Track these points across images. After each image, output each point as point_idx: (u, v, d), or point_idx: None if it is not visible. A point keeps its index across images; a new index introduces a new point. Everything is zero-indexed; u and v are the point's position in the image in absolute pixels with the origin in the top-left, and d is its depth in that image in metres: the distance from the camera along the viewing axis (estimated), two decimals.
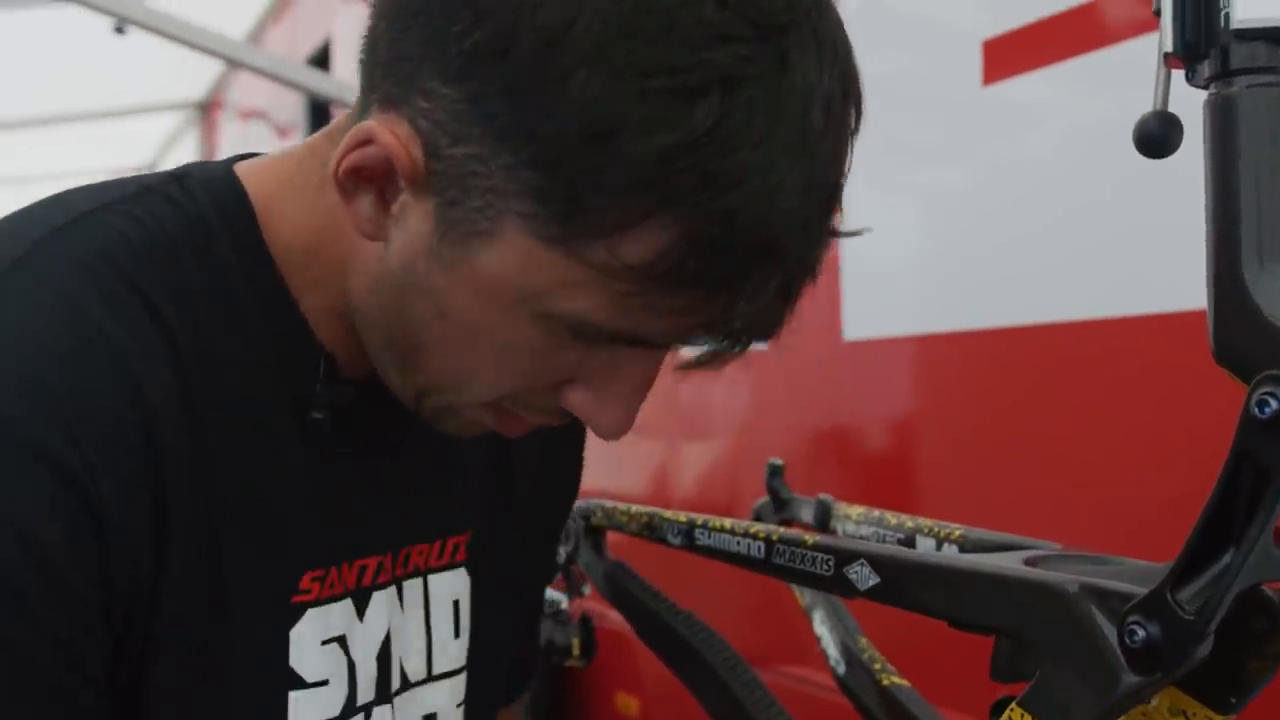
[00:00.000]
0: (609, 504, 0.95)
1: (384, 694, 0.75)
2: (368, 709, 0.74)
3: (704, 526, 0.81)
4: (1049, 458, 1.41)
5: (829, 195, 0.58)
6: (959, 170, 1.58)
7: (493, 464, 0.82)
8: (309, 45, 4.11)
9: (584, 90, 0.53)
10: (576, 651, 1.10)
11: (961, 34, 1.53)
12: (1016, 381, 1.47)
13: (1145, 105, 1.33)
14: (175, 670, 0.64)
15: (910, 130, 1.66)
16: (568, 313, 0.59)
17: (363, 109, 0.63)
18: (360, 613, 0.72)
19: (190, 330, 0.64)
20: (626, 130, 0.53)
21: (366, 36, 0.63)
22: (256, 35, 4.73)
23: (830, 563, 0.70)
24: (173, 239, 0.65)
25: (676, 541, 0.84)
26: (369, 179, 0.61)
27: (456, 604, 0.79)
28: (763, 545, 0.75)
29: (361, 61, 0.63)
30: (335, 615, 0.71)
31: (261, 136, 5.04)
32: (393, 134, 0.59)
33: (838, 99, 0.58)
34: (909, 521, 0.82)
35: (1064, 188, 1.41)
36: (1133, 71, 1.30)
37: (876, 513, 0.86)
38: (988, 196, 1.52)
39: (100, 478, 0.59)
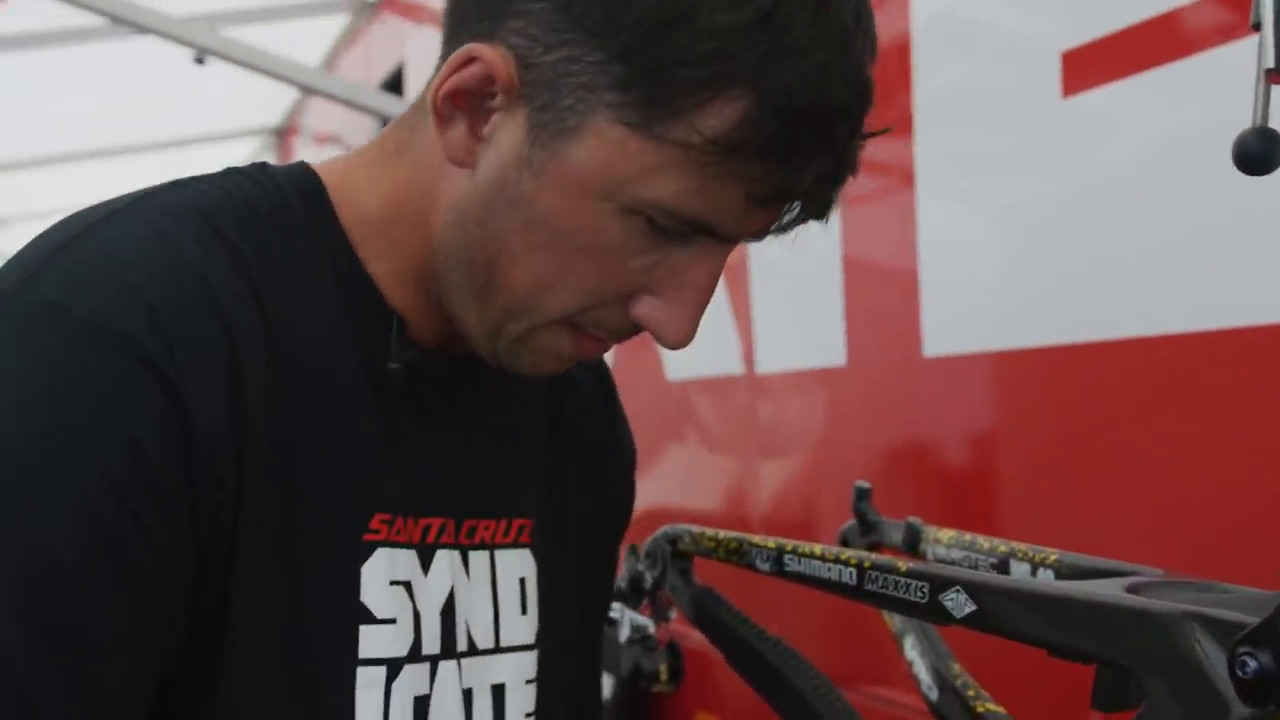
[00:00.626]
0: (696, 529, 0.95)
1: (449, 651, 0.78)
2: (433, 661, 0.77)
3: (793, 552, 0.80)
4: (1143, 477, 1.38)
5: (864, 90, 0.67)
6: (1039, 183, 1.56)
7: (548, 463, 0.87)
8: (382, 70, 4.16)
9: None
10: (664, 677, 1.10)
11: (1039, 45, 1.51)
12: (1104, 398, 1.45)
13: (1232, 114, 1.31)
14: (256, 591, 0.68)
15: (988, 142, 1.64)
16: (650, 199, 0.67)
17: (441, 59, 0.72)
18: (425, 566, 0.76)
19: (269, 280, 0.71)
20: (701, 13, 0.63)
21: (447, 2, 0.73)
22: (330, 61, 4.79)
23: (925, 589, 0.69)
24: (253, 204, 0.73)
25: (765, 567, 0.83)
26: (464, 102, 0.70)
27: (523, 582, 0.83)
28: (854, 571, 0.75)
29: (448, 13, 0.73)
30: (401, 560, 0.75)
31: None
32: (491, 51, 0.68)
33: (865, 10, 0.68)
34: (1002, 546, 0.81)
35: (1147, 200, 1.38)
36: (1218, 81, 1.28)
37: (968, 536, 0.84)
38: (1070, 210, 1.50)
39: (190, 382, 0.66)
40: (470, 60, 0.69)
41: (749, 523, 2.20)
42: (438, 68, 0.73)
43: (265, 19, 4.07)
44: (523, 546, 0.83)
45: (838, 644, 1.73)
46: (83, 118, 4.73)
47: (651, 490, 2.72)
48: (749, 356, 2.15)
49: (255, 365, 0.69)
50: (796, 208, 0.70)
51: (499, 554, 0.81)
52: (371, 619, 0.73)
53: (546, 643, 0.84)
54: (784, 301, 2.10)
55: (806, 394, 2.07)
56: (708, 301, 0.72)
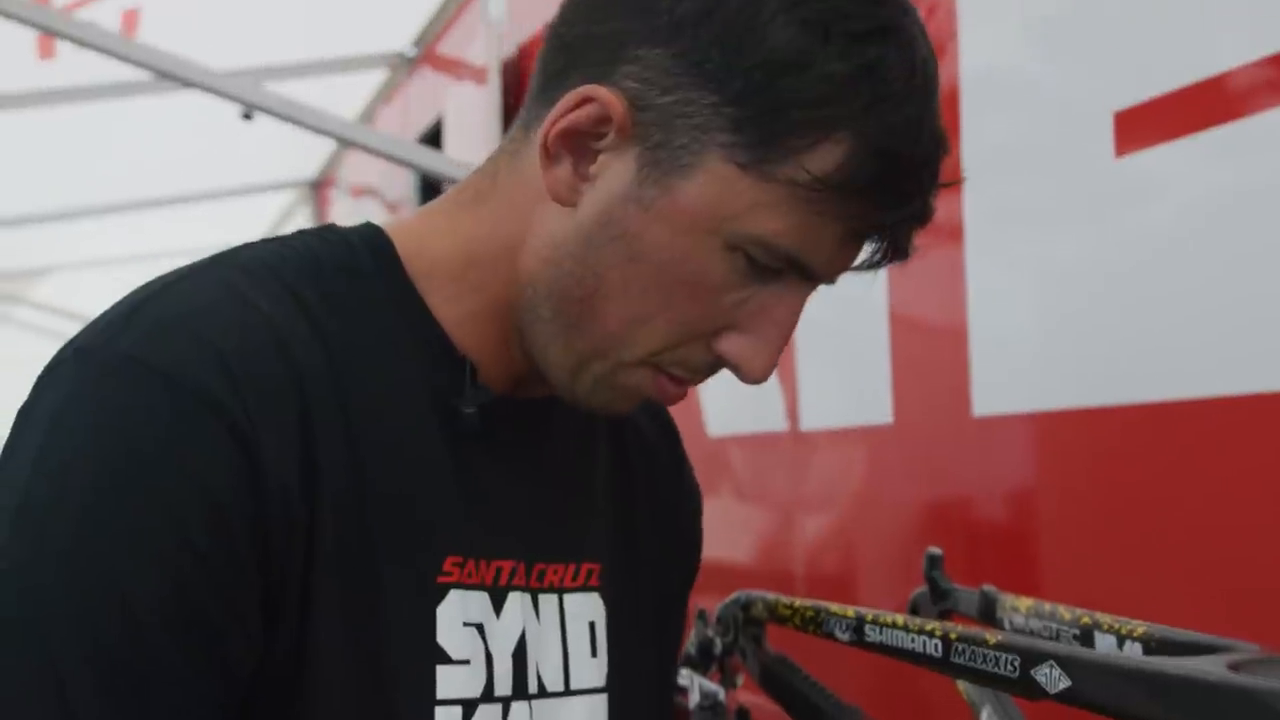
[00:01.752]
0: (770, 596, 0.95)
1: (520, 692, 0.80)
2: (505, 702, 0.79)
3: (874, 622, 0.80)
4: (1201, 546, 1.36)
5: (944, 140, 0.74)
6: (1090, 242, 1.56)
7: (616, 509, 0.89)
8: (420, 124, 4.19)
9: (781, 33, 0.69)
10: None
11: (1092, 104, 1.52)
12: (1158, 461, 1.44)
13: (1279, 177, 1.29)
14: (334, 633, 0.71)
15: (1037, 199, 1.64)
16: (755, 234, 0.71)
17: (542, 103, 0.76)
18: (497, 609, 0.78)
19: (338, 328, 0.74)
20: (815, 63, 0.69)
21: (547, 48, 0.77)
22: (368, 115, 4.84)
23: (1016, 663, 0.68)
24: (319, 258, 0.77)
25: (845, 637, 0.83)
26: (573, 142, 0.74)
27: (592, 625, 0.85)
28: (940, 643, 0.74)
29: (549, 59, 0.77)
30: (474, 603, 0.77)
31: (372, 212, 5.14)
32: (608, 93, 0.72)
33: (935, 69, 0.74)
34: (1085, 616, 0.80)
35: (1200, 262, 1.38)
36: (1272, 144, 1.28)
37: (1048, 606, 0.84)
38: (1123, 269, 1.49)
39: (261, 431, 0.68)
40: (586, 100, 0.73)
41: (791, 580, 2.18)
42: (534, 113, 0.78)
43: (306, 74, 4.12)
44: (591, 590, 0.85)
45: (911, 712, 1.71)
46: (125, 170, 4.78)
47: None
48: (793, 413, 2.15)
49: (326, 412, 0.72)
50: (880, 249, 0.74)
51: (567, 597, 0.84)
52: (447, 660, 0.76)
53: (618, 686, 0.86)
54: (829, 357, 2.10)
55: (851, 452, 2.06)
56: (787, 341, 0.76)
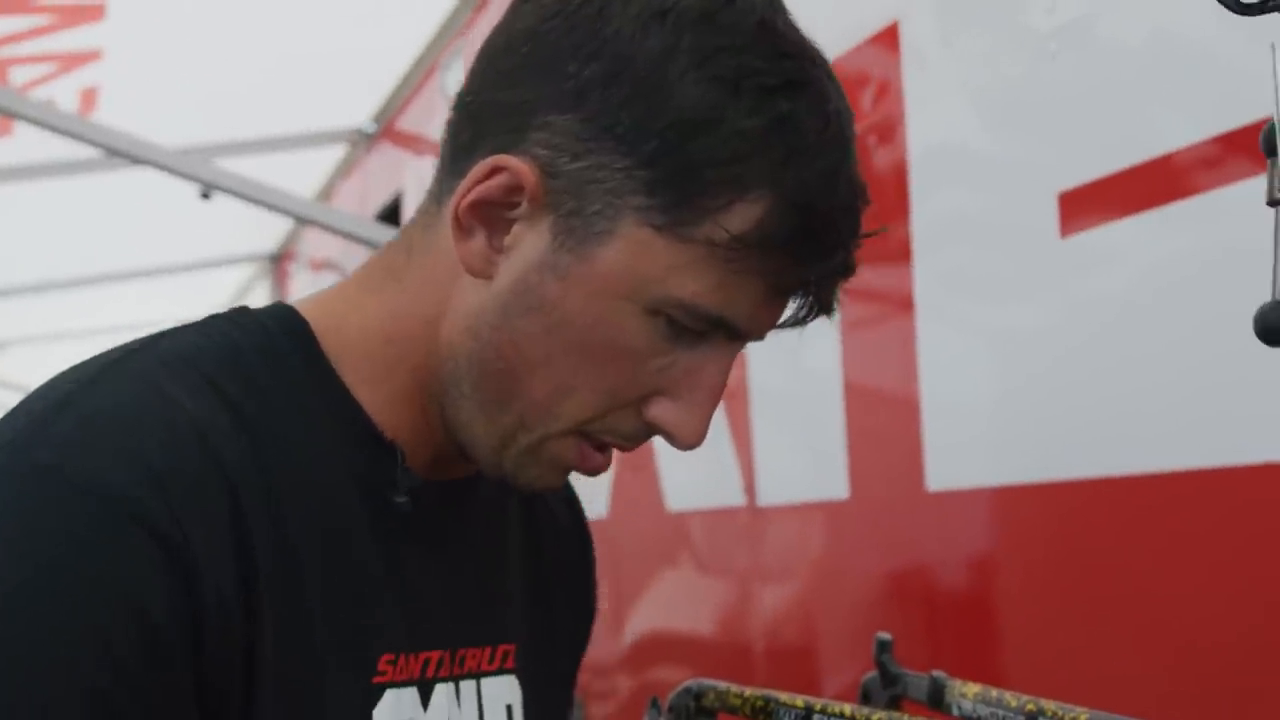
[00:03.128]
0: (721, 685, 0.95)
1: None
2: None
3: (823, 712, 0.80)
4: (1153, 622, 1.37)
5: (863, 190, 0.72)
6: (1039, 315, 1.58)
7: (530, 585, 0.88)
8: (379, 199, 4.21)
9: (691, 92, 0.68)
10: None
11: (1037, 183, 1.54)
12: (1113, 538, 1.45)
13: (1228, 255, 1.32)
14: None
15: (987, 270, 1.66)
16: (675, 297, 0.70)
17: (452, 175, 0.74)
18: (425, 703, 0.77)
19: (259, 416, 0.72)
20: (726, 120, 0.68)
21: (455, 118, 0.76)
22: (328, 190, 4.85)
23: None
24: (237, 345, 0.74)
25: None
26: (485, 213, 0.72)
27: (509, 709, 0.84)
28: None
29: (457, 130, 0.75)
30: (405, 699, 0.76)
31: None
32: (518, 162, 0.71)
33: (849, 119, 0.72)
34: (1030, 704, 0.81)
35: (1148, 337, 1.40)
36: (1215, 221, 1.31)
37: (994, 692, 0.84)
38: (1072, 342, 1.51)
39: (193, 542, 0.66)
40: (496, 170, 0.71)
41: (750, 655, 2.18)
42: (445, 185, 0.76)
43: (265, 150, 4.13)
44: (508, 673, 0.84)
45: None
46: (80, 245, 4.77)
47: (651, 618, 2.69)
48: (750, 488, 2.15)
49: (258, 517, 0.69)
50: (805, 305, 0.73)
51: (484, 682, 0.83)
52: None
53: None
54: (785, 430, 2.11)
55: (808, 526, 2.06)
56: (718, 402, 0.74)
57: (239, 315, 0.77)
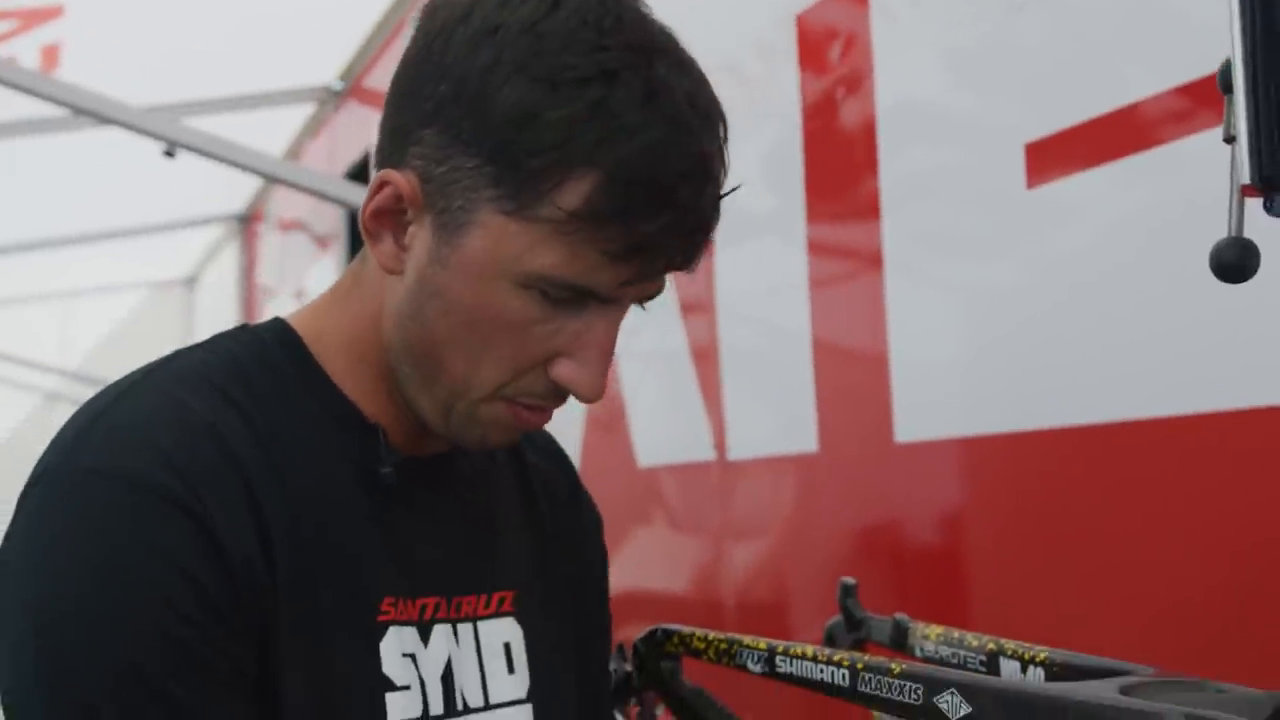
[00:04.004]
0: (685, 629, 0.95)
1: (450, 710, 0.91)
2: None
3: (785, 653, 0.81)
4: (1119, 566, 1.39)
5: (708, 162, 0.81)
6: (1006, 268, 1.59)
7: (526, 540, 1.00)
8: (348, 158, 4.18)
9: (514, 93, 0.78)
10: None
11: (1004, 135, 1.55)
12: (1077, 484, 1.46)
13: (1191, 204, 1.33)
14: (300, 674, 0.82)
15: (955, 226, 1.67)
16: (535, 271, 0.80)
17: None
18: (425, 640, 0.90)
19: (263, 414, 0.85)
20: (544, 111, 0.78)
21: (378, 135, 0.87)
22: (295, 150, 4.82)
23: (919, 691, 0.69)
24: (238, 357, 0.88)
25: (757, 669, 0.84)
26: (387, 220, 0.85)
27: (508, 646, 0.96)
28: (847, 673, 0.75)
29: (375, 155, 0.88)
30: (407, 636, 0.88)
31: (302, 247, 5.11)
32: (398, 175, 0.83)
33: (700, 98, 0.81)
34: (990, 643, 0.82)
35: (1114, 288, 1.41)
36: (1179, 171, 1.32)
37: (956, 633, 0.85)
38: (1038, 295, 1.52)
39: (213, 512, 0.80)
40: (383, 184, 0.84)
41: (721, 609, 2.19)
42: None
43: (233, 108, 4.09)
44: (505, 615, 0.96)
45: None
46: (45, 206, 4.72)
47: (623, 575, 2.71)
48: (720, 443, 2.16)
49: (267, 491, 0.82)
50: (657, 263, 0.82)
51: (482, 624, 0.94)
52: (393, 687, 0.87)
53: (541, 697, 0.97)
54: (755, 386, 2.12)
55: (779, 480, 2.07)
56: (610, 358, 0.85)
57: (239, 333, 0.92)
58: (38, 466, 0.84)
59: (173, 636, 0.78)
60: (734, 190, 0.84)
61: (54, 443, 0.85)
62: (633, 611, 2.52)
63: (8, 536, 0.83)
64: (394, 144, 0.85)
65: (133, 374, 0.88)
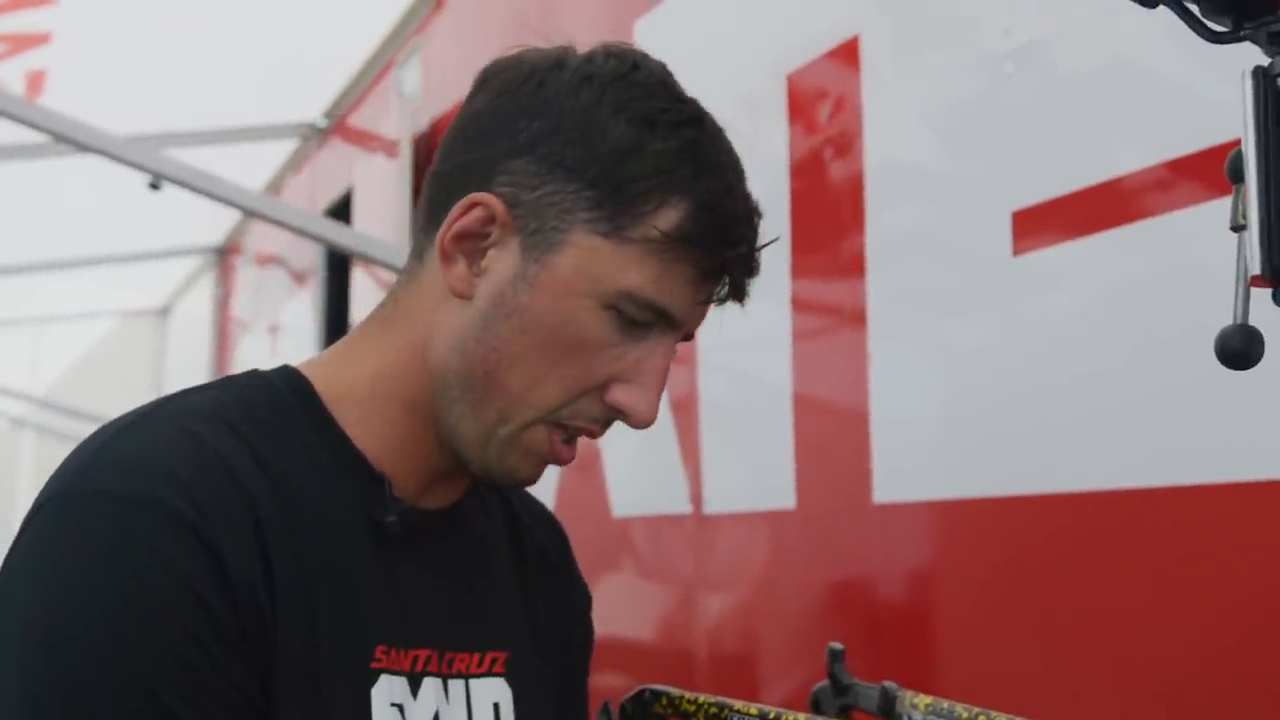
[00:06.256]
0: (675, 691, 0.95)
1: None
2: None
3: (777, 719, 0.80)
4: (1097, 637, 1.39)
5: (755, 203, 0.92)
6: (993, 333, 1.60)
7: (520, 604, 1.02)
8: (329, 195, 4.18)
9: (617, 129, 0.87)
10: None
11: (991, 202, 1.56)
12: (1056, 553, 1.47)
13: (1176, 278, 1.35)
14: (294, 711, 0.83)
15: (944, 291, 1.68)
16: (623, 289, 0.87)
17: (430, 226, 0.92)
18: (414, 692, 0.91)
19: (273, 455, 0.87)
20: (647, 146, 0.87)
21: (430, 185, 0.94)
22: (277, 184, 4.81)
23: None
24: (250, 399, 0.90)
25: None
26: (465, 243, 0.90)
27: (497, 706, 0.96)
28: None
29: (436, 188, 0.93)
30: (397, 686, 0.89)
31: (278, 282, 5.09)
32: (490, 197, 0.89)
33: (736, 154, 0.92)
34: (981, 715, 0.81)
35: (1095, 357, 1.42)
36: (1164, 244, 1.33)
37: (945, 704, 0.85)
38: (1020, 360, 1.53)
39: (223, 541, 0.81)
40: (473, 205, 0.89)
41: (693, 662, 2.18)
42: (424, 239, 0.94)
43: (215, 141, 4.09)
44: (497, 676, 0.97)
45: None
46: (22, 231, 4.70)
47: (595, 624, 2.68)
48: (697, 496, 2.16)
49: (274, 527, 0.84)
50: (723, 290, 0.91)
51: (474, 683, 0.95)
52: None
53: None
54: (734, 440, 2.11)
55: (754, 536, 2.07)
56: (664, 385, 0.91)
57: (251, 378, 0.94)
58: (43, 493, 0.85)
59: (184, 659, 0.79)
60: (773, 242, 0.94)
61: (60, 470, 0.86)
62: (602, 660, 2.50)
63: (9, 559, 0.83)
64: (474, 175, 0.90)
65: (141, 408, 0.90)
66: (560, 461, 0.92)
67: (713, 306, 0.92)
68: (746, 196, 0.92)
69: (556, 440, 0.91)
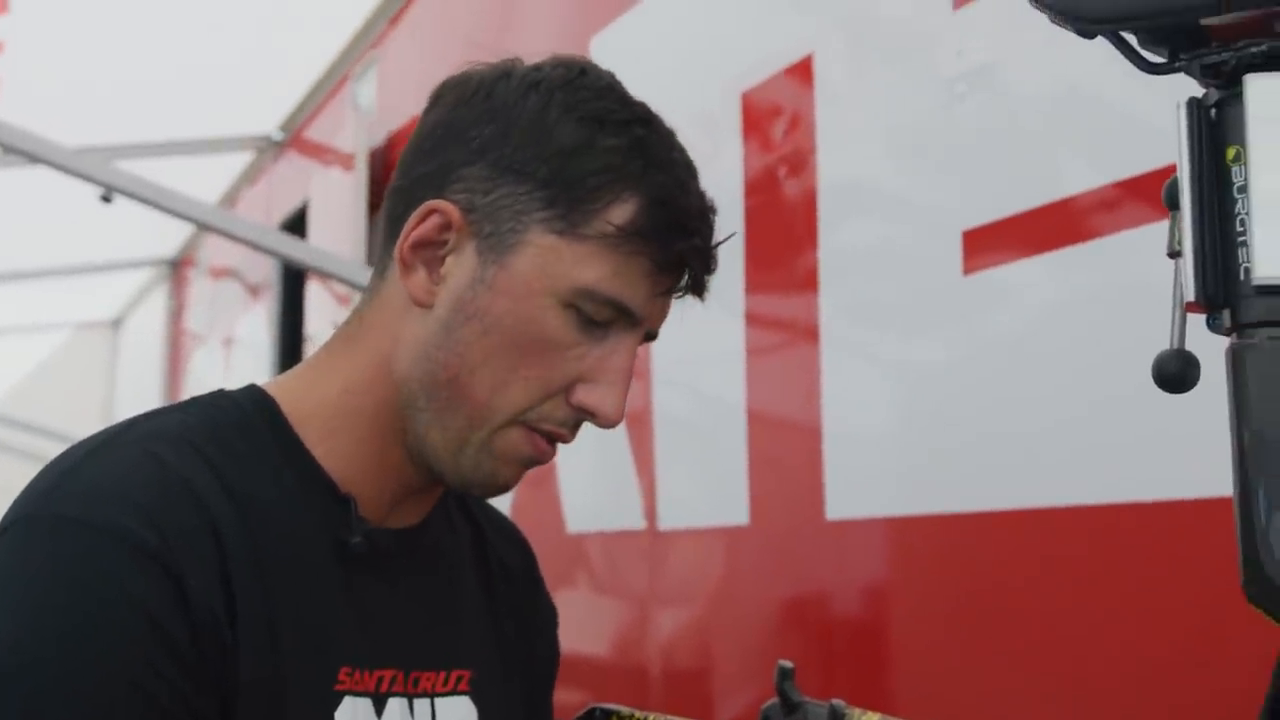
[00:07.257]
0: (624, 710, 0.95)
1: None
2: None
3: None
4: (1048, 654, 1.40)
5: (707, 198, 0.93)
6: (945, 351, 1.61)
7: (486, 623, 1.01)
8: (285, 209, 4.16)
9: (566, 129, 0.88)
10: None
11: (942, 220, 1.57)
12: (1008, 570, 1.48)
13: (1121, 296, 1.36)
14: None
15: (896, 308, 1.69)
16: (582, 286, 0.87)
17: (390, 241, 0.93)
18: (379, 712, 0.90)
19: (238, 477, 0.87)
20: (596, 143, 0.89)
21: (389, 202, 0.94)
22: (231, 197, 4.78)
23: None
24: (216, 421, 0.90)
25: None
26: (424, 252, 0.90)
27: None
28: None
29: (394, 201, 0.94)
30: (361, 707, 0.89)
31: (233, 294, 5.06)
32: (445, 203, 0.90)
33: (686, 153, 0.93)
34: None
35: (1047, 374, 1.43)
36: (1110, 266, 1.35)
37: None
38: (973, 376, 1.54)
39: (184, 567, 0.81)
40: (429, 213, 0.90)
41: (646, 679, 2.18)
42: (385, 254, 0.94)
43: (169, 153, 4.06)
44: (462, 695, 0.97)
45: None
46: None
47: None
48: (651, 512, 2.16)
49: (236, 548, 0.84)
50: (682, 286, 0.91)
51: (439, 701, 0.95)
52: None
53: None
54: (688, 456, 2.12)
55: (708, 552, 2.07)
56: (629, 384, 0.91)
57: (217, 398, 0.94)
58: (8, 515, 0.85)
59: (141, 686, 0.79)
60: (730, 238, 0.95)
61: (25, 493, 0.86)
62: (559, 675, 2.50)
63: None
64: (429, 185, 0.91)
65: (110, 429, 0.90)
66: (543, 460, 0.92)
67: (674, 303, 0.93)
68: (700, 193, 0.92)
69: (538, 441, 0.91)
